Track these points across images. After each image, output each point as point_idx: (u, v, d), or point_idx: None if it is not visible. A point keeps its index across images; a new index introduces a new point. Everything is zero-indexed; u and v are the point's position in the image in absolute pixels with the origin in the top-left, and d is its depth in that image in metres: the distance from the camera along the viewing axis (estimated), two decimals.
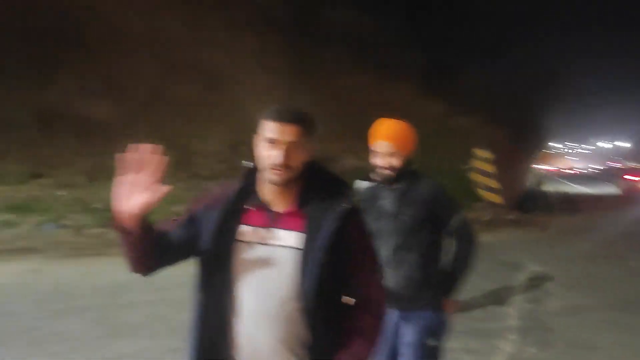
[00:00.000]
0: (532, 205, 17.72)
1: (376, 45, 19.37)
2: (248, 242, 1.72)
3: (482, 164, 15.84)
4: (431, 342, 2.62)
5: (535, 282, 7.06)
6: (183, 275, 7.49)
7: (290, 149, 1.73)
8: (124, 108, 16.80)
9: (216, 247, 1.73)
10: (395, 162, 2.81)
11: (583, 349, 4.56)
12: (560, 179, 41.30)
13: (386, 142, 2.86)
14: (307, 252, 1.65)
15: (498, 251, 9.59)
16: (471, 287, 6.63)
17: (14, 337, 5.12)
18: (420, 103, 18.54)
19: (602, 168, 62.66)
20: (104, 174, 14.78)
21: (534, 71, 23.13)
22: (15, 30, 16.23)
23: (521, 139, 22.13)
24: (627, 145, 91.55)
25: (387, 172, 2.83)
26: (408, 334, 2.64)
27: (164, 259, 1.87)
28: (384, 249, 2.73)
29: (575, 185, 34.18)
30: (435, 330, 2.67)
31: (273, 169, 1.73)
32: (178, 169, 15.64)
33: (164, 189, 1.69)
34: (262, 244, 1.71)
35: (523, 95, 22.30)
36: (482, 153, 15.96)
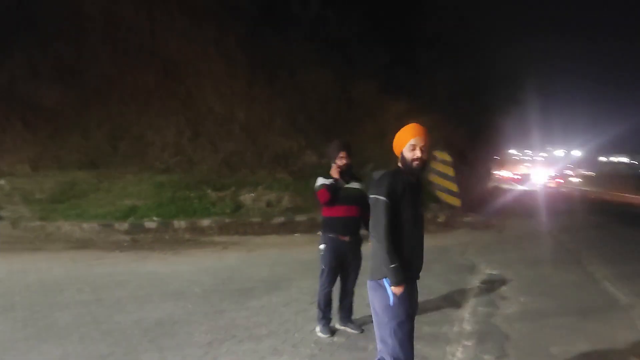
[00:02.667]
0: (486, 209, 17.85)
1: (340, 40, 19.12)
2: None
3: (440, 165, 15.81)
4: None
5: (491, 286, 6.97)
6: (123, 273, 7.04)
7: None
8: (74, 94, 16.10)
9: None
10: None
11: (540, 358, 4.41)
12: (508, 183, 47.53)
13: (421, 137, 3.17)
14: None
15: (453, 253, 9.55)
16: (426, 289, 6.50)
17: None
18: (383, 100, 18.45)
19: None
20: (50, 164, 14.10)
21: (496, 72, 23.26)
22: None
23: (480, 142, 22.25)
24: (579, 153, 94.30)
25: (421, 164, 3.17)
26: None
27: None
28: (419, 232, 3.20)
29: (514, 184, 44.02)
30: None
31: None
32: (131, 161, 15.09)
33: None
34: None
35: (483, 97, 22.40)
36: (441, 155, 15.94)
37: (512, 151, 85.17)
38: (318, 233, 11.43)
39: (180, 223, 11.41)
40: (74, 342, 4.67)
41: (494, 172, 36.86)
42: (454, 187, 15.36)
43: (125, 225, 11.06)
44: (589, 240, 11.65)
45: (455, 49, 20.96)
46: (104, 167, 14.42)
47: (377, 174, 3.21)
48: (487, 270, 8.00)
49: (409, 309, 3.12)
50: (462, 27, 20.88)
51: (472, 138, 19.35)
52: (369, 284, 3.21)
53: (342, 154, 4.94)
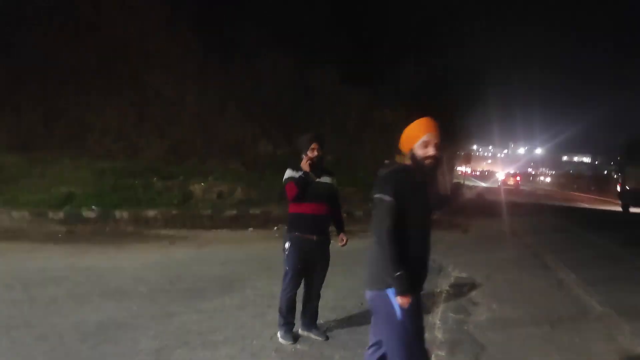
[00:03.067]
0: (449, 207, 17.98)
1: (299, 27, 18.83)
2: None
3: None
4: None
5: (460, 290, 6.91)
6: (59, 269, 6.59)
7: None
8: (5, 70, 15.21)
9: None
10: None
11: None
12: (469, 180, 50.39)
13: (435, 134, 3.02)
14: None
15: None
16: None
17: None
18: (345, 92, 18.34)
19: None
20: None
21: (460, 66, 23.52)
22: None
23: (444, 137, 22.52)
24: (541, 151, 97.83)
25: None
26: None
27: None
28: (427, 237, 3.04)
29: (475, 181, 47.90)
30: None
31: None
32: (69, 145, 14.44)
33: None
34: None
35: (446, 91, 22.60)
36: None
37: (474, 147, 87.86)
38: (274, 227, 11.32)
39: (122, 214, 10.96)
40: (3, 349, 4.28)
41: (457, 169, 37.69)
42: None
43: (60, 215, 10.53)
44: (554, 244, 11.86)
45: (419, 41, 21.02)
46: (38, 150, 13.73)
47: (382, 172, 3.01)
48: (455, 273, 7.96)
49: (419, 323, 2.97)
50: (426, 19, 20.98)
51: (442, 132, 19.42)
52: (369, 294, 3.01)
53: (313, 145, 4.75)
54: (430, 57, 21.27)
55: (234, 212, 11.99)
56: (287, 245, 4.73)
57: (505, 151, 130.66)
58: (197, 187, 12.90)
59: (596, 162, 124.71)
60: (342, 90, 18.39)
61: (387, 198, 2.86)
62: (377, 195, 2.91)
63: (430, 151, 2.93)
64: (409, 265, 2.82)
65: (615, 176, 36.78)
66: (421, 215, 2.97)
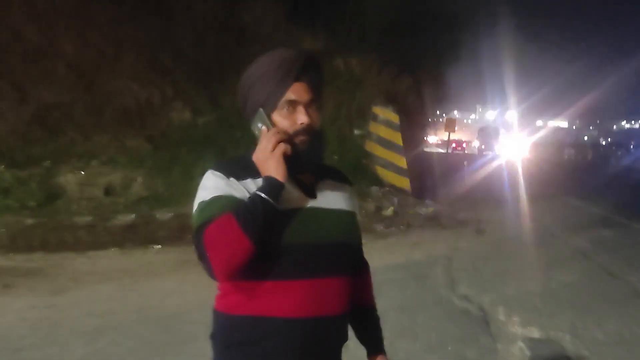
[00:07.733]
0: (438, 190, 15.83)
1: None
2: None
3: (382, 129, 13.22)
4: None
5: None
6: None
7: None
8: None
9: None
10: None
11: None
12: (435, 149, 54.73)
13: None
14: None
15: (435, 282, 6.85)
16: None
17: None
18: (291, 32, 16.25)
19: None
20: None
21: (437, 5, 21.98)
22: None
23: (425, 96, 20.55)
24: (514, 115, 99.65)
25: None
26: None
27: None
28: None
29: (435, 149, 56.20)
30: None
31: None
32: None
33: None
34: None
35: (423, 35, 20.94)
36: (383, 112, 13.34)
37: (437, 112, 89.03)
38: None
39: None
40: None
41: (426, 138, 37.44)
42: (402, 161, 12.83)
43: None
44: (618, 249, 9.59)
45: None
46: None
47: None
48: (518, 329, 5.34)
49: None
50: None
51: (417, 90, 17.35)
52: None
53: (296, 89, 1.75)
54: None
55: (131, 216, 8.98)
56: None
57: (473, 116, 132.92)
58: (72, 179, 9.88)
59: (574, 127, 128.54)
60: (289, 31, 16.20)
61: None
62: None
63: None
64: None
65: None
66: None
